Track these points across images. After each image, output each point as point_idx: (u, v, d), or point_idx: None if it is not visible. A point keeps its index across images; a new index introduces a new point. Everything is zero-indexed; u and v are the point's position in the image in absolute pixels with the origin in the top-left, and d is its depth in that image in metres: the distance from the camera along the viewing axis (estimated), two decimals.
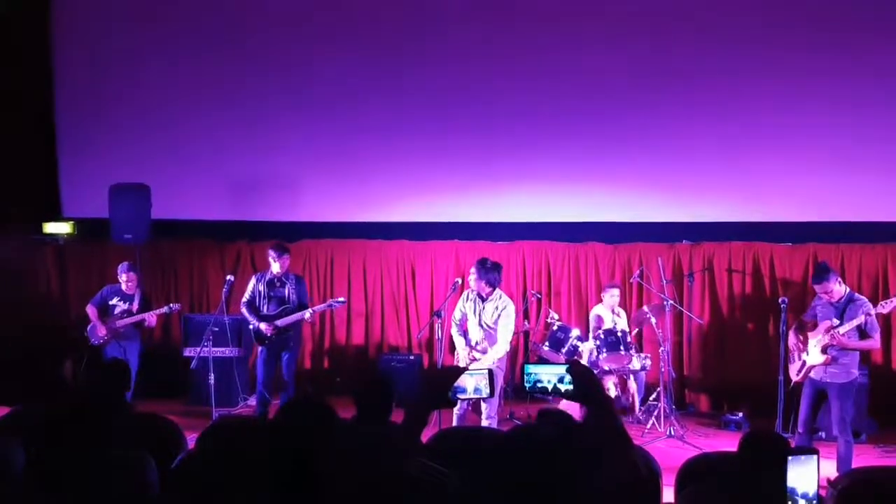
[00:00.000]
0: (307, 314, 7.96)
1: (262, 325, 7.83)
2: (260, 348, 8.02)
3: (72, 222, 10.08)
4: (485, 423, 6.91)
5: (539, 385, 2.78)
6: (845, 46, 8.66)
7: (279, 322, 7.87)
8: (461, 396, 2.92)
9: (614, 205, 9.30)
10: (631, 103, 9.14)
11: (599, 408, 2.57)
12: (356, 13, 9.60)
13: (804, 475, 2.38)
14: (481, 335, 7.01)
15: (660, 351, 8.17)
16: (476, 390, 2.89)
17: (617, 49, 9.09)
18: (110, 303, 8.27)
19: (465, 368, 2.87)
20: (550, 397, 8.18)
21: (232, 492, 2.68)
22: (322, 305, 8.25)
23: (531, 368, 2.81)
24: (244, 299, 8.02)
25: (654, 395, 8.53)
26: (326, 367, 9.99)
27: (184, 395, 9.06)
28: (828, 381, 6.29)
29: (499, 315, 6.95)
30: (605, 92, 9.18)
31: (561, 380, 2.72)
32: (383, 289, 9.87)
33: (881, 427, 8.11)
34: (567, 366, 2.70)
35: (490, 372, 2.96)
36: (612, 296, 8.62)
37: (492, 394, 2.96)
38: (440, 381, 2.77)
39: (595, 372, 7.87)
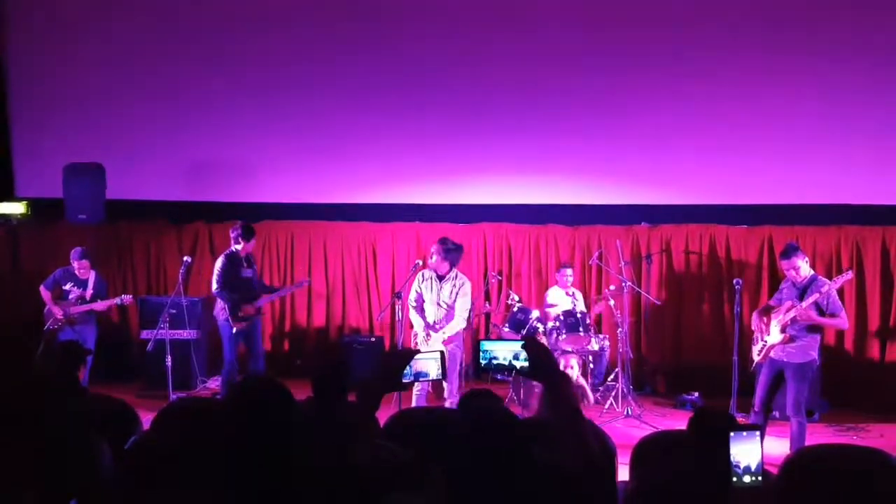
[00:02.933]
0: (287, 290, 8.63)
1: (248, 307, 7.85)
2: (234, 329, 7.84)
3: (25, 202, 9.89)
4: (446, 403, 6.96)
5: (495, 362, 2.78)
6: (802, 36, 8.77)
7: (259, 303, 7.97)
8: (421, 380, 2.92)
9: (574, 187, 9.36)
10: (590, 88, 9.17)
11: (554, 384, 2.58)
12: None
13: (747, 450, 2.43)
14: (440, 314, 7.05)
15: (618, 332, 8.25)
16: (425, 374, 2.89)
17: (577, 35, 9.11)
18: (64, 287, 8.13)
19: (417, 351, 2.86)
20: (509, 376, 8.14)
21: (186, 472, 2.66)
22: (293, 286, 8.73)
23: (487, 345, 2.81)
24: (218, 280, 7.78)
25: (612, 376, 8.63)
26: (287, 349, 9.95)
27: (141, 378, 8.95)
28: (785, 360, 6.38)
29: (457, 293, 7.01)
30: (565, 77, 9.19)
31: (516, 357, 2.74)
32: (344, 270, 9.84)
33: (833, 406, 8.30)
34: (522, 342, 2.70)
35: (441, 354, 2.96)
36: (564, 275, 8.69)
37: (444, 375, 2.95)
38: (392, 365, 2.76)
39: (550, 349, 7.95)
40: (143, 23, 9.55)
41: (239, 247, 7.85)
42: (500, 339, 8.05)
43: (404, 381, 2.78)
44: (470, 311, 7.56)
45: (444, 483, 2.09)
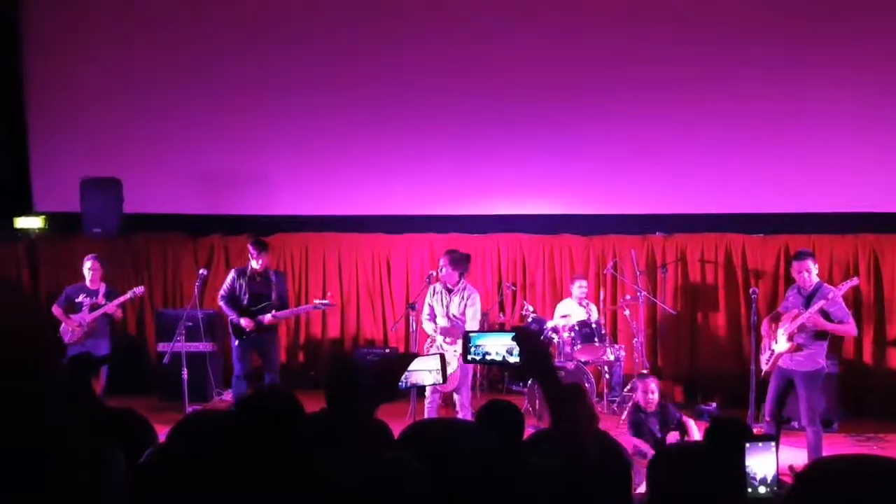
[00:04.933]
0: (287, 312, 8.00)
1: (243, 321, 7.78)
2: (236, 342, 7.94)
3: (43, 217, 9.98)
4: (458, 414, 6.97)
5: (488, 357, 2.60)
6: (813, 40, 8.74)
7: (264, 319, 7.79)
8: (427, 384, 2.84)
9: (587, 197, 9.35)
10: (604, 97, 9.16)
11: (547, 378, 2.45)
12: (329, 6, 9.55)
13: (763, 461, 2.39)
14: (449, 326, 7.10)
15: (633, 342, 8.21)
16: (426, 378, 2.79)
17: (591, 45, 9.12)
18: (76, 300, 8.15)
19: (416, 355, 2.77)
20: (522, 386, 7.97)
21: (202, 485, 2.66)
22: (307, 306, 8.29)
23: (478, 339, 2.63)
24: (222, 293, 7.92)
25: (628, 386, 8.59)
26: (302, 360, 9.96)
27: (157, 390, 8.98)
28: (794, 368, 6.34)
29: (465, 305, 7.03)
30: (578, 86, 9.20)
31: (510, 351, 2.56)
32: (358, 282, 9.85)
33: (853, 416, 8.21)
34: (513, 334, 2.54)
35: (441, 357, 2.83)
36: (579, 287, 8.65)
37: (443, 379, 2.85)
38: (389, 373, 2.64)
39: (542, 336, 7.69)
40: (159, 38, 9.63)
41: (254, 262, 7.86)
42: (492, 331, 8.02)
43: (406, 386, 2.68)
44: (482, 321, 7.55)
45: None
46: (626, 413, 6.41)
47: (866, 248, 8.78)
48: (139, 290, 8.33)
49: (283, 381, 9.26)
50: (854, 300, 8.31)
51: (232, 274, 8.00)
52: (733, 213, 9.16)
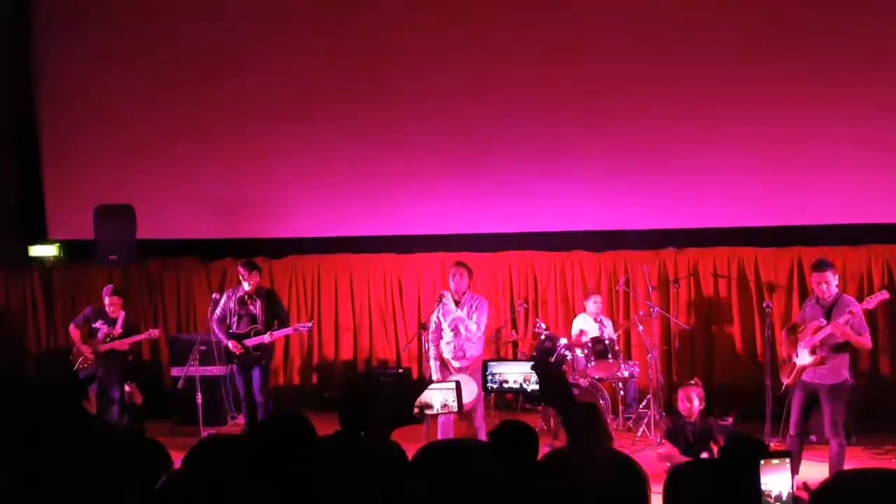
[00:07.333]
0: (266, 338, 7.88)
1: (230, 344, 7.81)
2: (232, 366, 8.02)
3: (58, 245, 10.06)
4: (479, 433, 6.97)
5: (505, 385, 2.64)
6: (823, 51, 8.73)
7: (247, 342, 7.84)
8: (429, 413, 2.83)
9: (598, 213, 9.33)
10: (612, 112, 9.16)
11: (565, 407, 2.47)
12: (337, 28, 9.62)
13: (777, 479, 2.38)
14: (457, 340, 7.16)
15: (648, 358, 8.18)
16: (444, 405, 2.79)
17: (598, 59, 9.13)
18: (94, 325, 8.23)
19: (431, 381, 2.81)
20: (538, 405, 7.94)
21: None
22: (287, 330, 8.11)
23: (495, 368, 2.67)
24: (215, 315, 7.96)
25: (644, 403, 8.55)
26: (315, 382, 9.97)
27: (172, 415, 9.00)
28: (818, 382, 6.31)
29: (474, 313, 7.13)
30: (587, 101, 9.21)
31: (527, 379, 2.59)
32: (370, 303, 9.86)
33: (870, 429, 8.13)
34: (531, 364, 2.57)
35: (457, 384, 2.85)
36: (594, 302, 8.62)
37: (460, 408, 2.86)
38: (401, 399, 2.65)
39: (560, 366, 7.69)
40: (170, 65, 9.73)
41: (246, 284, 7.89)
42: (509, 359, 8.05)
43: (423, 413, 2.70)
44: (496, 339, 7.57)
45: None
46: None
47: (879, 259, 8.73)
48: (155, 332, 8.42)
49: (297, 402, 9.30)
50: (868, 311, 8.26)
51: (224, 296, 8.04)
52: (745, 227, 9.11)
